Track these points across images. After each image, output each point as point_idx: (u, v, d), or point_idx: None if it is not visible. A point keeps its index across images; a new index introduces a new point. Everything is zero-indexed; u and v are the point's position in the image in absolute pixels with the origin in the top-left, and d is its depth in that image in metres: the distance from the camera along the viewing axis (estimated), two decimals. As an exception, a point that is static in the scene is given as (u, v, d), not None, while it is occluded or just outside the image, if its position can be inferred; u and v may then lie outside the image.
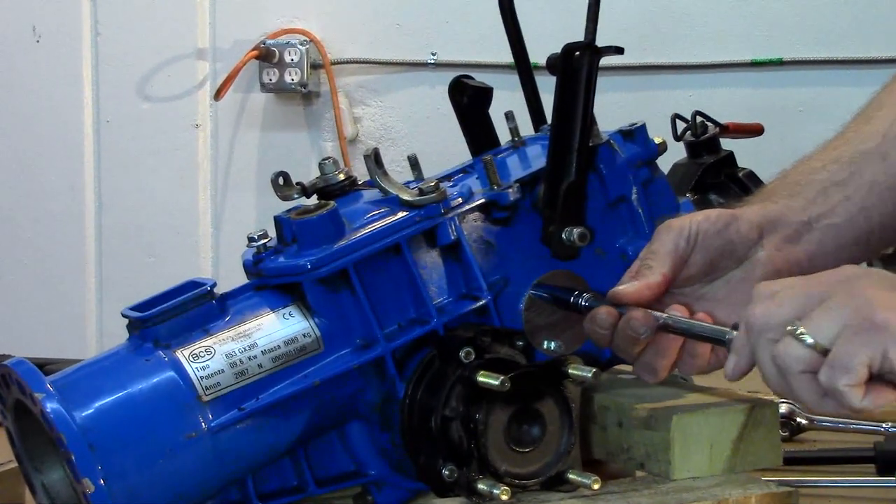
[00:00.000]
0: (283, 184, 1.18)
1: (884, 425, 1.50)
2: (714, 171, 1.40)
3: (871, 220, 1.12)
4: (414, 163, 1.27)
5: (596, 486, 1.05)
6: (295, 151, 3.23)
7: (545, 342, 1.16)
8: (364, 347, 1.10)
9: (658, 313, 1.07)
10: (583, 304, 1.12)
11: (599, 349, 1.20)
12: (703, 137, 1.45)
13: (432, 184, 1.14)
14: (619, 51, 1.18)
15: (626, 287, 1.09)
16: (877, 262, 1.33)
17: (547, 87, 1.24)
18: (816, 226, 1.12)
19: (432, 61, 3.09)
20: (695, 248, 1.10)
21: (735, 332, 0.99)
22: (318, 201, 1.16)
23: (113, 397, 1.03)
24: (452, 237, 1.13)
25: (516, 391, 1.04)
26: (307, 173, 1.19)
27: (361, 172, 1.19)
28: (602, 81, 1.19)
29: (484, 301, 1.13)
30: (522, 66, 1.35)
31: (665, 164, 1.30)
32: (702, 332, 1.05)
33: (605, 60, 1.17)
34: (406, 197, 1.13)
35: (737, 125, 1.69)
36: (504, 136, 1.32)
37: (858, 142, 1.15)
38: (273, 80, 3.16)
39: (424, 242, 1.14)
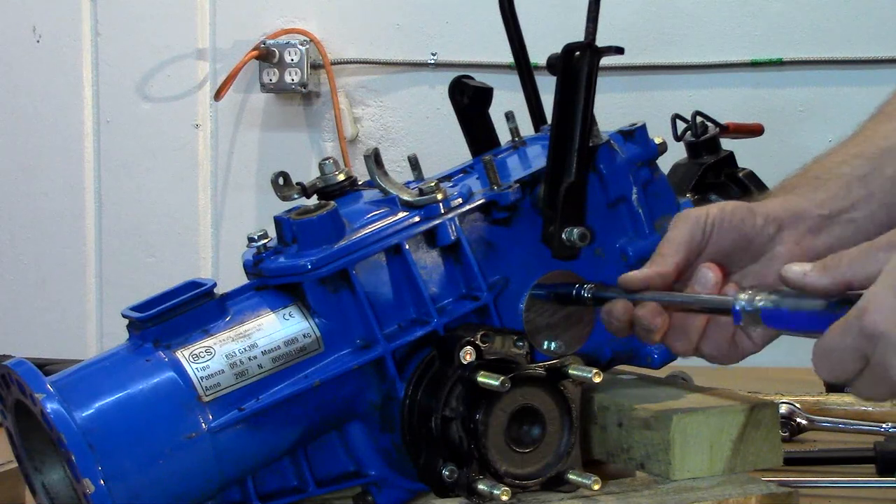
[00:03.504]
0: (283, 184, 1.19)
1: (884, 425, 1.50)
2: (714, 171, 1.40)
3: (892, 215, 1.11)
4: (414, 163, 1.27)
5: (596, 487, 1.05)
6: (295, 151, 3.23)
7: (545, 342, 1.16)
8: (364, 348, 1.10)
9: (662, 295, 1.06)
10: (586, 294, 1.12)
11: (599, 349, 1.20)
12: (703, 137, 1.45)
13: (432, 184, 1.14)
14: (619, 51, 1.18)
15: (637, 273, 1.08)
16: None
17: (547, 87, 1.24)
18: (837, 220, 1.11)
19: (432, 61, 3.09)
20: (710, 240, 1.09)
21: (742, 298, 0.97)
22: (318, 201, 1.16)
23: (113, 398, 1.03)
24: (452, 237, 1.13)
25: (516, 391, 1.05)
26: (307, 173, 1.19)
27: (361, 172, 1.19)
28: (602, 81, 1.19)
29: (484, 301, 1.13)
30: (522, 66, 1.35)
31: (665, 164, 1.30)
32: (708, 304, 1.04)
33: (605, 60, 1.17)
34: (406, 197, 1.13)
35: (737, 125, 1.68)
36: (504, 136, 1.32)
37: (880, 138, 1.14)
38: (273, 80, 3.16)
39: (424, 242, 1.14)
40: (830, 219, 1.11)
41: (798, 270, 0.94)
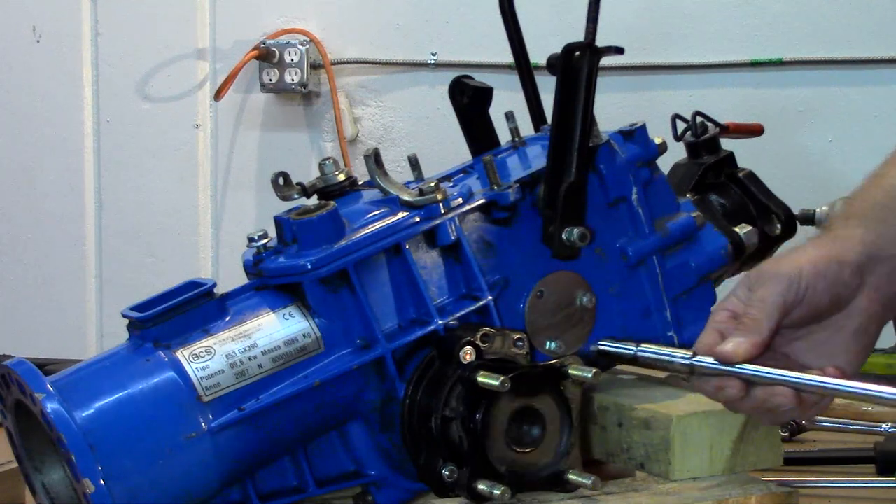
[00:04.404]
0: (283, 184, 1.19)
1: (883, 425, 1.50)
2: (714, 171, 1.40)
3: None
4: (414, 163, 1.27)
5: (596, 487, 1.05)
6: (295, 151, 3.23)
7: (546, 342, 1.16)
8: (364, 348, 1.10)
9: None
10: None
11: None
12: (703, 138, 1.45)
13: (432, 184, 1.14)
14: (619, 51, 1.18)
15: (735, 348, 1.03)
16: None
17: (547, 87, 1.24)
18: None
19: (432, 61, 3.09)
20: (804, 300, 1.04)
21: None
22: (318, 201, 1.16)
23: (113, 397, 1.03)
24: (452, 237, 1.13)
25: (516, 391, 1.05)
26: (307, 173, 1.19)
27: (361, 172, 1.18)
28: (602, 81, 1.19)
29: (484, 301, 1.13)
30: (522, 66, 1.35)
31: (665, 164, 1.30)
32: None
33: (605, 60, 1.17)
34: (406, 197, 1.13)
35: (737, 125, 1.68)
36: (504, 136, 1.32)
37: None
38: (273, 80, 3.15)
39: (424, 242, 1.14)
40: None
41: None
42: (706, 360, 1.04)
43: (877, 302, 1.06)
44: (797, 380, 1.01)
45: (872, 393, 0.98)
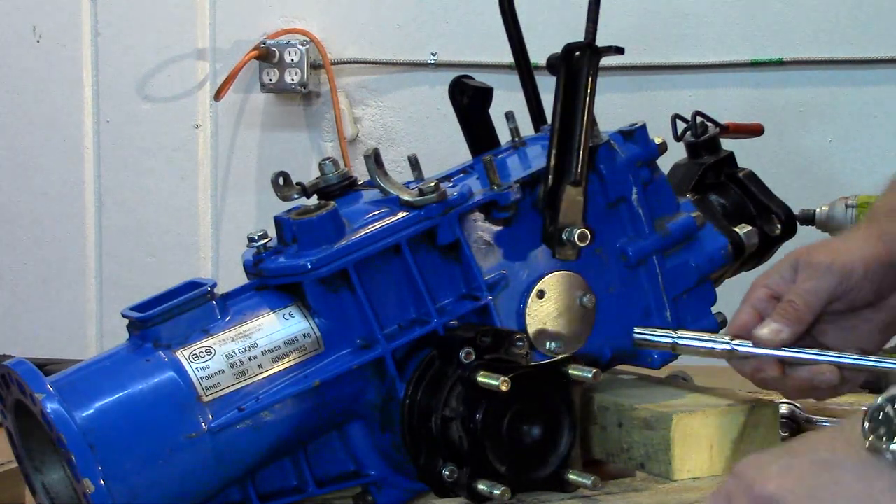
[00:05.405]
0: (283, 184, 1.18)
1: (884, 425, 1.50)
2: (714, 171, 1.40)
3: None
4: (414, 163, 1.27)
5: (596, 487, 1.05)
6: (295, 151, 3.23)
7: (546, 342, 1.16)
8: (364, 348, 1.10)
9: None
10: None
11: (599, 349, 1.20)
12: (703, 138, 1.45)
13: (432, 184, 1.14)
14: (619, 51, 1.18)
15: (773, 336, 1.06)
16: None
17: (547, 87, 1.24)
18: None
19: (432, 61, 3.09)
20: (847, 295, 1.07)
21: None
22: (318, 201, 1.16)
23: (113, 398, 1.03)
24: (452, 237, 1.13)
25: (516, 391, 1.04)
26: (307, 173, 1.19)
27: (361, 172, 1.18)
28: (602, 81, 1.19)
29: (484, 301, 1.13)
30: (522, 66, 1.35)
31: (665, 164, 1.30)
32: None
33: (606, 60, 1.17)
34: (406, 197, 1.13)
35: (737, 125, 1.68)
36: (504, 136, 1.32)
37: None
38: (273, 81, 3.15)
39: (425, 242, 1.13)
40: None
41: None
42: (746, 345, 1.08)
43: None
44: (838, 360, 1.05)
45: None
